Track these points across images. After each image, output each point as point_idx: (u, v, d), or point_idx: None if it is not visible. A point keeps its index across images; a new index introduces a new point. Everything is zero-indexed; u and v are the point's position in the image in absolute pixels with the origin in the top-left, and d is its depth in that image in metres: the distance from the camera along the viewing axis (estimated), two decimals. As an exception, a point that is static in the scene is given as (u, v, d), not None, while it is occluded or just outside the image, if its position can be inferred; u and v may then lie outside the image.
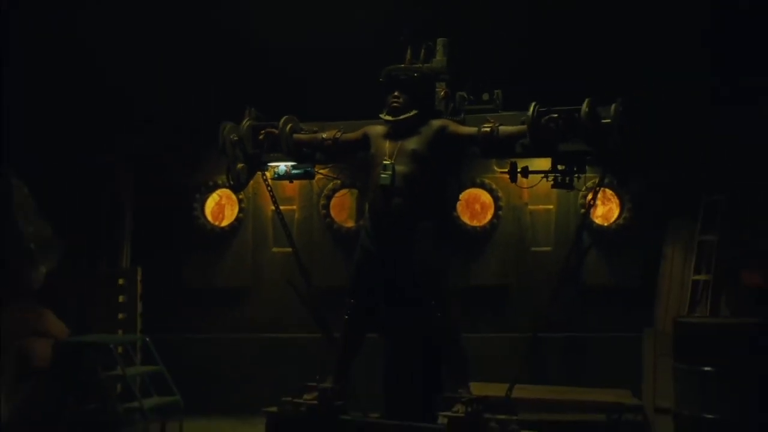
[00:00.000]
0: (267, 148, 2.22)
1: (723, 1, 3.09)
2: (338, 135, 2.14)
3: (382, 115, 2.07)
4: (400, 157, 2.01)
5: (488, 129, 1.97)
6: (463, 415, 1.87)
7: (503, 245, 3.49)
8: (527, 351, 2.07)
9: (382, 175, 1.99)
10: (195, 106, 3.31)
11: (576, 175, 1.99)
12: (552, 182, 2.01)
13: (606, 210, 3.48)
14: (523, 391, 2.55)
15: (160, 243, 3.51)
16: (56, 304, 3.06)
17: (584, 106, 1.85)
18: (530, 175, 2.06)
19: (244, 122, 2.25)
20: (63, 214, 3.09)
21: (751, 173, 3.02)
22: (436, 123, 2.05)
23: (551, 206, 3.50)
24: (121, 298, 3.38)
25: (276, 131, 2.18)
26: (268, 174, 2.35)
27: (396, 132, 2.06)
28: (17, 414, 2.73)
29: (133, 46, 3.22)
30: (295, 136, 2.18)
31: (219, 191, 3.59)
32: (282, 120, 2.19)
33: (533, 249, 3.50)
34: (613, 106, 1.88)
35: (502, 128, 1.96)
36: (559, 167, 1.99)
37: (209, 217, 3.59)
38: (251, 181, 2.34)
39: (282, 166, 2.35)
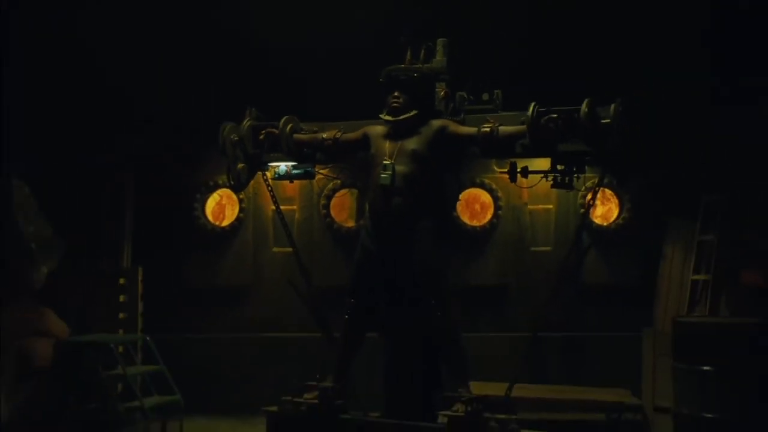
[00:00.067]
0: (267, 148, 2.23)
1: (723, 1, 3.10)
2: (338, 135, 2.15)
3: (382, 115, 2.07)
4: (400, 157, 2.02)
5: (488, 129, 1.97)
6: (462, 414, 1.87)
7: (503, 245, 3.49)
8: (527, 350, 2.07)
9: (382, 175, 2.00)
10: (195, 106, 3.31)
11: (575, 175, 2.00)
12: (551, 182, 2.02)
13: (605, 210, 3.48)
14: (522, 391, 2.56)
15: (160, 243, 3.52)
16: (57, 303, 3.06)
17: (584, 107, 1.86)
18: (530, 175, 2.06)
19: (244, 122, 2.26)
20: (63, 213, 3.09)
21: (751, 173, 3.02)
22: (436, 123, 2.06)
23: (551, 206, 3.50)
24: (122, 298, 3.39)
25: (276, 131, 2.19)
26: (268, 174, 2.36)
27: (396, 132, 2.07)
28: (18, 413, 2.73)
29: (133, 46, 3.22)
30: (296, 136, 2.19)
31: (219, 191, 3.59)
32: (282, 120, 2.19)
33: (533, 249, 3.50)
34: (612, 107, 1.89)
35: (501, 128, 1.97)
36: (559, 167, 2.00)
37: (210, 217, 3.60)
38: (252, 181, 2.34)
39: (282, 166, 2.36)
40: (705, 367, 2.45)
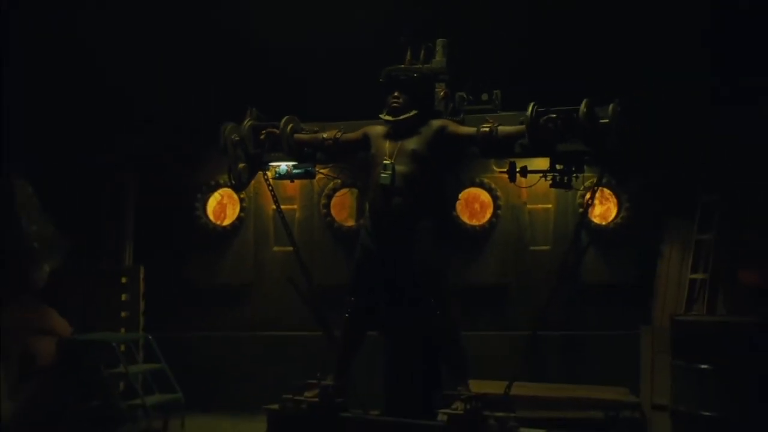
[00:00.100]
0: (268, 148, 2.24)
1: (723, 1, 3.10)
2: (339, 135, 2.16)
3: (382, 116, 2.08)
4: (400, 156, 2.03)
5: (487, 129, 1.98)
6: (462, 412, 1.88)
7: (502, 244, 3.50)
8: (526, 349, 2.12)
9: (383, 175, 2.01)
10: (195, 106, 3.32)
11: (574, 174, 2.01)
12: (550, 182, 2.03)
13: (604, 209, 3.49)
14: (521, 389, 2.57)
15: (162, 242, 3.53)
16: (60, 302, 3.07)
17: (582, 107, 1.87)
18: (529, 175, 2.07)
19: (245, 122, 2.27)
20: (63, 213, 3.09)
21: (751, 173, 3.02)
22: (436, 123, 2.07)
23: (550, 205, 3.51)
24: (123, 297, 3.40)
25: (277, 131, 2.20)
26: (269, 173, 2.37)
27: (396, 132, 2.08)
28: (21, 411, 2.74)
29: (133, 46, 3.23)
30: (296, 136, 2.20)
31: (221, 191, 3.60)
32: (283, 120, 2.20)
33: (532, 248, 3.51)
34: (611, 107, 1.90)
35: (501, 128, 1.98)
36: (558, 167, 2.01)
37: (211, 217, 3.61)
38: (252, 181, 2.35)
39: (283, 166, 2.37)
40: (703, 366, 2.47)
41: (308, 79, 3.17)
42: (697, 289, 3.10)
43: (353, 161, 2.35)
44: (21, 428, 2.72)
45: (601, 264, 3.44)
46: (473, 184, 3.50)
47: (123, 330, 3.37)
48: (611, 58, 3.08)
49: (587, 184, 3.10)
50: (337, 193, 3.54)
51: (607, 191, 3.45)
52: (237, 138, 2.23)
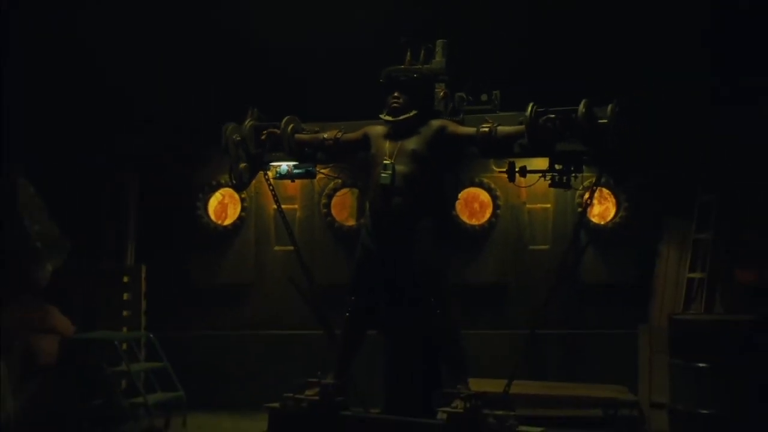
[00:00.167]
0: (269, 148, 2.25)
1: (723, 1, 3.10)
2: (339, 135, 2.17)
3: (382, 116, 2.09)
4: (400, 157, 2.03)
5: (487, 129, 1.99)
6: (461, 410, 1.89)
7: (501, 244, 3.52)
8: (525, 348, 2.10)
9: (383, 175, 2.02)
10: (195, 106, 3.32)
11: (573, 174, 2.02)
12: (549, 181, 2.04)
13: (603, 209, 3.50)
14: (521, 387, 2.58)
15: (163, 241, 3.54)
16: (62, 301, 3.08)
17: (581, 107, 1.88)
18: (528, 175, 2.08)
19: (246, 122, 2.28)
20: (63, 213, 3.10)
21: (751, 173, 3.03)
22: (436, 123, 2.08)
23: (549, 205, 3.52)
24: (125, 296, 3.40)
25: (278, 131, 2.21)
26: (270, 173, 2.38)
27: (396, 132, 2.09)
28: (24, 410, 2.76)
29: (133, 46, 3.23)
30: (297, 136, 2.21)
31: (222, 190, 3.61)
32: (284, 120, 2.21)
33: (531, 247, 3.52)
34: (609, 107, 1.91)
35: (500, 128, 1.99)
36: (557, 167, 2.01)
37: (212, 216, 3.62)
38: (253, 181, 2.36)
39: (284, 166, 2.38)
40: (700, 364, 2.48)
41: (308, 79, 3.18)
42: (695, 289, 3.12)
43: (353, 161, 2.38)
44: (23, 427, 2.73)
45: (600, 263, 3.45)
46: (473, 184, 3.51)
47: (125, 329, 3.39)
48: (611, 58, 3.08)
49: (586, 183, 3.10)
50: (338, 193, 3.55)
51: (605, 191, 3.46)
52: (238, 138, 2.24)
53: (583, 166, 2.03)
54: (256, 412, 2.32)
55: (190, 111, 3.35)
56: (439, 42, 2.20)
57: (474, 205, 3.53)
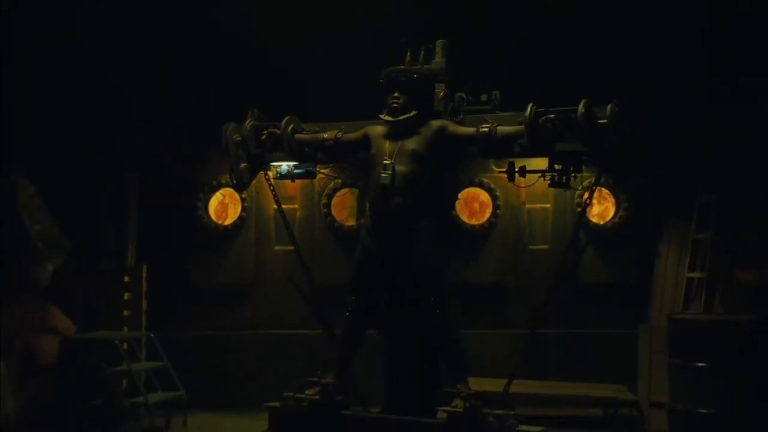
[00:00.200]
0: (269, 148, 2.26)
1: (723, 1, 3.10)
2: (339, 135, 2.17)
3: (382, 116, 2.10)
4: (400, 157, 2.04)
5: (486, 129, 2.00)
6: (461, 409, 1.90)
7: (501, 243, 3.52)
8: (525, 347, 2.10)
9: (383, 175, 2.02)
10: (195, 106, 3.32)
11: (572, 174, 2.03)
12: (549, 181, 2.04)
13: (602, 209, 3.51)
14: (520, 387, 2.59)
15: (164, 241, 3.54)
16: (63, 301, 3.09)
17: (581, 107, 1.88)
18: (528, 175, 2.09)
19: (246, 123, 2.28)
20: (63, 213, 3.10)
21: (751, 173, 3.03)
22: (436, 123, 2.08)
23: (548, 205, 3.52)
24: (126, 296, 3.41)
25: (278, 131, 2.22)
26: (270, 173, 2.39)
27: (396, 132, 2.09)
28: (24, 410, 2.76)
29: (133, 46, 3.23)
30: (297, 136, 2.21)
31: (222, 190, 3.62)
32: (284, 120, 2.22)
33: (531, 247, 3.53)
34: (609, 107, 1.91)
35: (500, 128, 1.99)
36: (556, 167, 2.02)
37: (213, 216, 3.62)
38: (254, 181, 2.37)
39: (284, 166, 2.39)
40: (700, 364, 2.49)
41: (308, 79, 3.18)
42: (695, 288, 3.12)
43: (354, 161, 2.38)
44: (24, 426, 2.73)
45: (600, 263, 3.46)
46: (472, 184, 3.51)
47: (125, 328, 3.39)
48: (611, 58, 3.09)
49: (585, 183, 3.10)
50: (338, 193, 3.56)
51: (605, 191, 3.47)
52: (238, 138, 2.25)
53: (583, 166, 2.04)
54: (256, 411, 2.33)
55: (190, 111, 3.35)
56: (439, 42, 2.20)
57: (474, 205, 3.54)
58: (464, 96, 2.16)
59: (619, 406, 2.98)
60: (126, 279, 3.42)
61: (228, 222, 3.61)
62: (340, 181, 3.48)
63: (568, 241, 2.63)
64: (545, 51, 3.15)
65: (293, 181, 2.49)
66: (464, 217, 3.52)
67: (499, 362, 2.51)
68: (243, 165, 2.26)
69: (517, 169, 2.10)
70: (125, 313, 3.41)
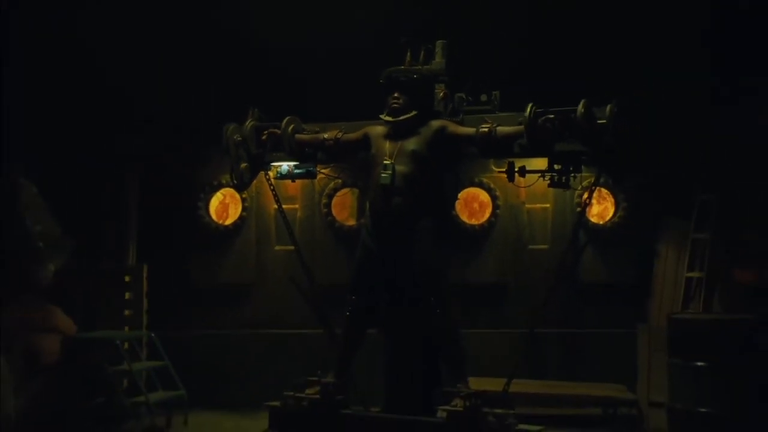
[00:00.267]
0: (270, 148, 2.27)
1: (723, 1, 3.10)
2: (339, 135, 2.18)
3: (382, 116, 2.10)
4: (400, 157, 2.05)
5: (486, 129, 2.00)
6: (461, 409, 1.90)
7: (501, 243, 3.53)
8: (525, 347, 2.11)
9: (383, 175, 2.03)
10: (195, 106, 3.33)
11: (572, 174, 2.03)
12: (549, 181, 2.05)
13: (601, 209, 3.51)
14: (520, 386, 2.59)
15: (165, 241, 3.55)
16: (65, 301, 3.09)
17: (580, 107, 1.89)
18: (527, 175, 2.10)
19: (247, 123, 2.29)
20: (63, 213, 3.11)
21: (750, 173, 3.04)
22: (436, 123, 2.09)
23: (548, 205, 3.53)
24: (127, 295, 3.42)
25: (278, 131, 2.22)
26: (270, 173, 2.39)
27: (396, 132, 2.10)
28: (26, 409, 2.77)
29: (133, 46, 3.23)
30: (297, 136, 2.22)
31: (223, 190, 3.62)
32: (284, 120, 2.22)
33: (530, 247, 3.53)
34: (608, 107, 1.92)
35: (499, 129, 2.00)
36: (556, 167, 2.03)
37: (213, 216, 3.63)
38: (254, 181, 2.37)
39: (284, 166, 2.40)
40: (699, 363, 2.50)
41: (308, 79, 3.18)
42: (694, 288, 3.13)
43: (354, 161, 2.38)
44: (25, 426, 2.74)
45: (599, 263, 3.46)
46: (472, 184, 3.52)
47: (126, 328, 3.40)
48: (611, 58, 3.09)
49: (585, 183, 3.09)
50: (338, 193, 3.56)
51: (604, 191, 3.47)
52: (239, 138, 2.26)
53: (582, 166, 2.04)
54: (256, 410, 2.35)
55: (190, 111, 3.36)
56: (439, 42, 2.21)
57: (473, 205, 3.54)
58: (464, 96, 2.16)
59: (618, 406, 3.00)
60: (127, 279, 3.43)
61: (228, 222, 3.62)
62: (340, 181, 3.48)
63: (567, 240, 2.62)
64: (545, 51, 3.16)
65: (293, 181, 2.49)
66: (464, 217, 3.53)
67: (498, 362, 2.52)
68: (243, 165, 2.27)
69: (516, 169, 2.10)
70: (126, 312, 3.42)
